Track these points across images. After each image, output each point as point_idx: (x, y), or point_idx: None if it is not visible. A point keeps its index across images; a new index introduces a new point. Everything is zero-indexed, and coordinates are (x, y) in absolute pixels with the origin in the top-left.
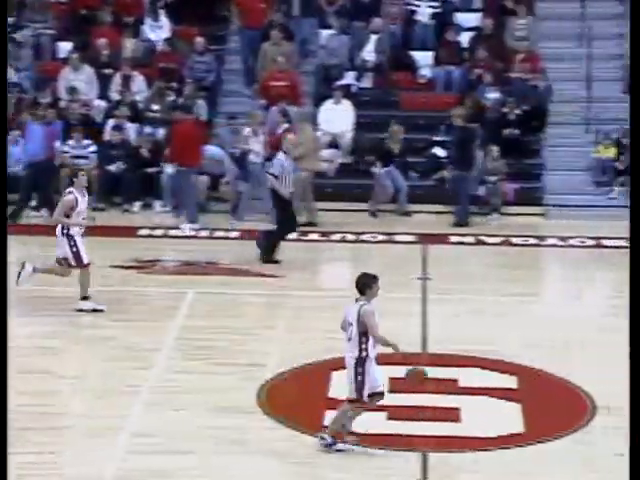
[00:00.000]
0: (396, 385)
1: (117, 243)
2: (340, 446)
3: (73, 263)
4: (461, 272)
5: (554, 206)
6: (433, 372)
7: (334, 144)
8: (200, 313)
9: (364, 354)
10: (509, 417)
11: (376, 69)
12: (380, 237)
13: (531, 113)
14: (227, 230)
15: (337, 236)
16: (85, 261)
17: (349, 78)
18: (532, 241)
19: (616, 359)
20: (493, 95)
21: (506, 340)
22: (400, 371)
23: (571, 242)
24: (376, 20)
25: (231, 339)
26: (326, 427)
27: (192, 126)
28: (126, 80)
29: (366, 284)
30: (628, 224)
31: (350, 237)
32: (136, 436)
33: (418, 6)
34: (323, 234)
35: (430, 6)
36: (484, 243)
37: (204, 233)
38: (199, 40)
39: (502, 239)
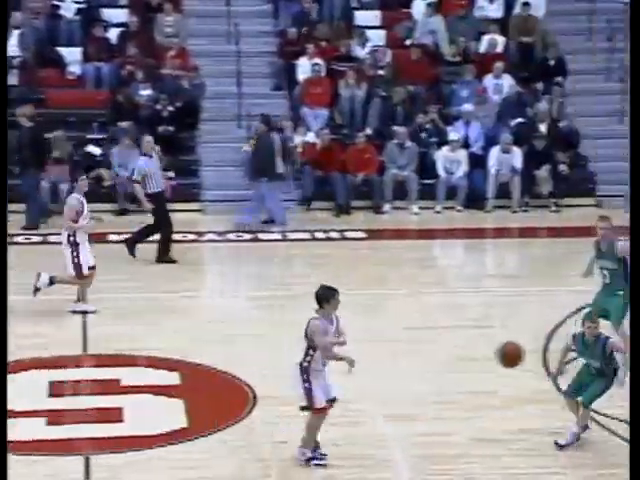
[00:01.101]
0: (56, 389)
1: None
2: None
3: (72, 273)
4: (122, 270)
5: (211, 202)
6: (94, 373)
7: None
8: None
9: (305, 364)
10: (172, 413)
11: (21, 65)
12: (35, 238)
13: (184, 110)
14: None
15: None
16: (85, 272)
17: None
18: (191, 237)
19: (272, 351)
20: (145, 92)
21: (169, 337)
22: (61, 375)
23: (229, 237)
24: (17, 14)
25: None
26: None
27: None
28: None
29: (323, 297)
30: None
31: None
32: None
33: (62, 1)
34: None
35: (75, 1)
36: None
37: None
38: None
39: None
